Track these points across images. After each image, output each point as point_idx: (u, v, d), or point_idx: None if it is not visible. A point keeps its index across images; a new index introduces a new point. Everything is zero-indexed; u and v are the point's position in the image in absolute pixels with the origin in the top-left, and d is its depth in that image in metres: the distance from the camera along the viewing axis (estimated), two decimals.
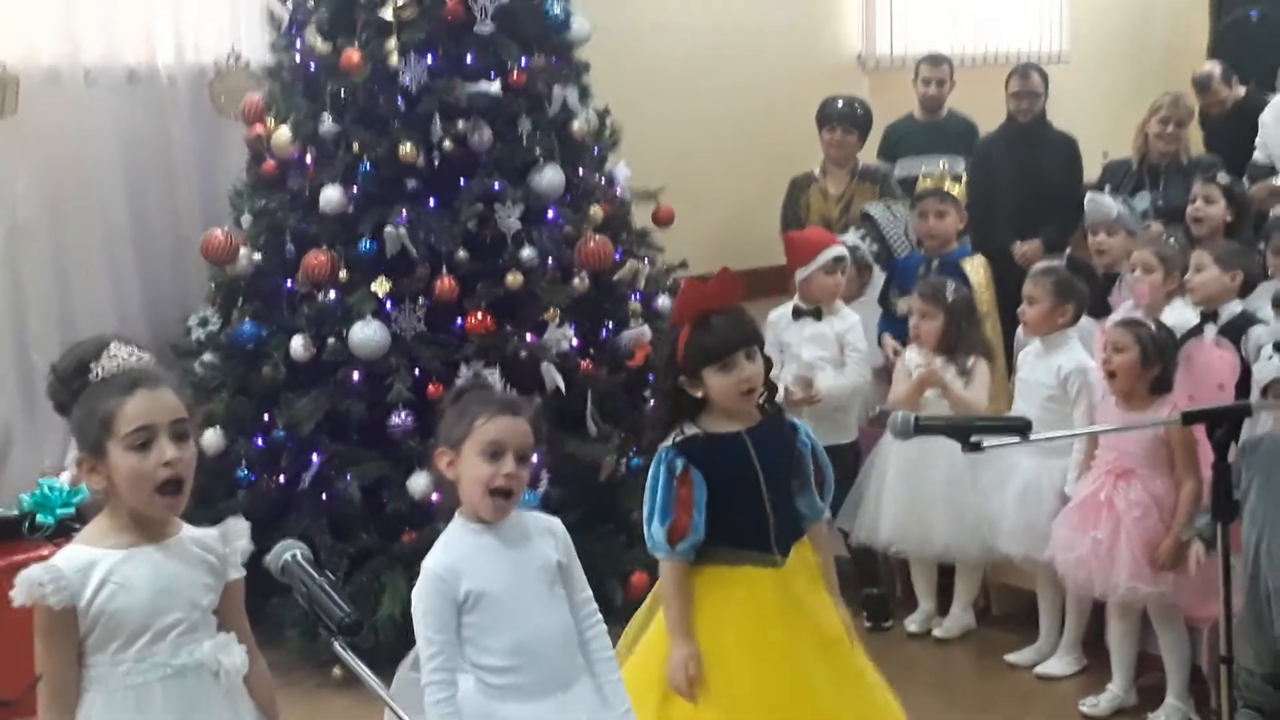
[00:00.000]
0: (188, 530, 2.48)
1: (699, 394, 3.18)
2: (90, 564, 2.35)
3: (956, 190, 5.51)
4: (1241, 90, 7.07)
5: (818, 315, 5.06)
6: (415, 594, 2.73)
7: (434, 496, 4.69)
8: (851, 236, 5.71)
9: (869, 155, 6.67)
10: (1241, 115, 6.83)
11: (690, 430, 3.20)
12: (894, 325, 5.43)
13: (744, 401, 3.20)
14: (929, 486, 4.81)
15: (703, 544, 3.18)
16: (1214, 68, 7.15)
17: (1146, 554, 4.13)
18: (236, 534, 2.51)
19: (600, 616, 2.87)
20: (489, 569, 2.71)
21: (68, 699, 2.34)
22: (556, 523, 2.85)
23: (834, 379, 4.96)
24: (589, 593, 2.86)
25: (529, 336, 4.88)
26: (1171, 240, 4.90)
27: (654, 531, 3.16)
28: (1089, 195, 5.56)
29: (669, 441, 3.20)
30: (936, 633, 4.98)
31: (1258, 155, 6.81)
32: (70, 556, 2.37)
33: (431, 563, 2.73)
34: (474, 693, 2.70)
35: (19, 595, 2.31)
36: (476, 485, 2.70)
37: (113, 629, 2.35)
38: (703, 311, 3.20)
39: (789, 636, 3.21)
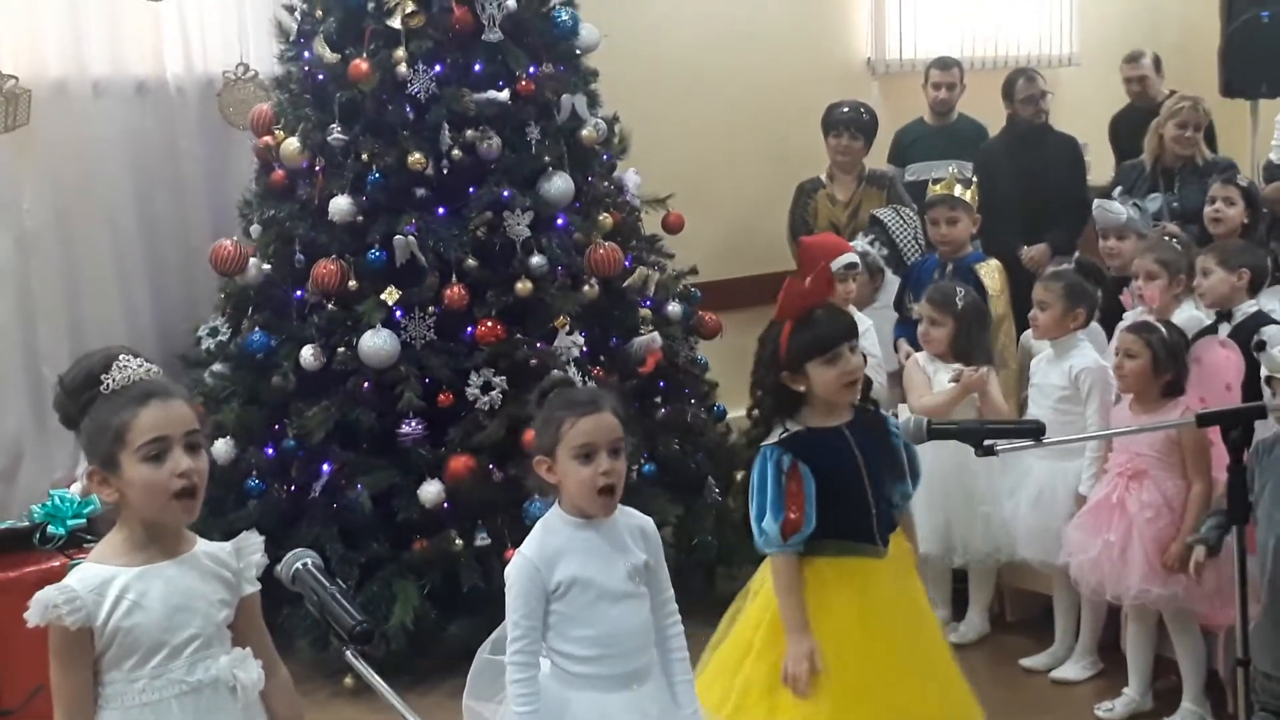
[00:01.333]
0: (201, 545, 2.46)
1: (801, 388, 3.27)
2: (105, 582, 2.33)
3: (967, 195, 5.48)
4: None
5: None
6: (508, 576, 2.80)
7: (444, 504, 4.70)
8: (861, 242, 5.69)
9: (878, 159, 6.66)
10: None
11: (793, 426, 3.28)
12: (910, 330, 5.40)
13: (847, 393, 3.30)
14: (939, 491, 4.78)
15: (811, 539, 3.26)
16: (1148, 56, 7.12)
17: (1158, 556, 4.11)
18: (251, 548, 2.49)
19: (679, 618, 2.94)
20: (582, 561, 2.78)
21: (84, 718, 2.33)
22: (649, 523, 2.92)
23: None
24: (671, 593, 2.93)
25: (539, 344, 4.88)
26: (1174, 241, 4.87)
27: (766, 527, 3.24)
28: (1097, 201, 5.54)
29: (772, 439, 3.28)
30: (952, 638, 4.92)
31: (1272, 156, 6.78)
32: (84, 576, 2.35)
33: (528, 550, 2.80)
34: (550, 678, 2.79)
35: (33, 616, 2.29)
36: (580, 488, 2.77)
37: (129, 646, 2.33)
38: (804, 308, 3.29)
39: (897, 627, 3.32)
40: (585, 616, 2.76)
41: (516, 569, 2.79)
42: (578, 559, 2.77)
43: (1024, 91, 6.56)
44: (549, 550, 2.79)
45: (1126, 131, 6.96)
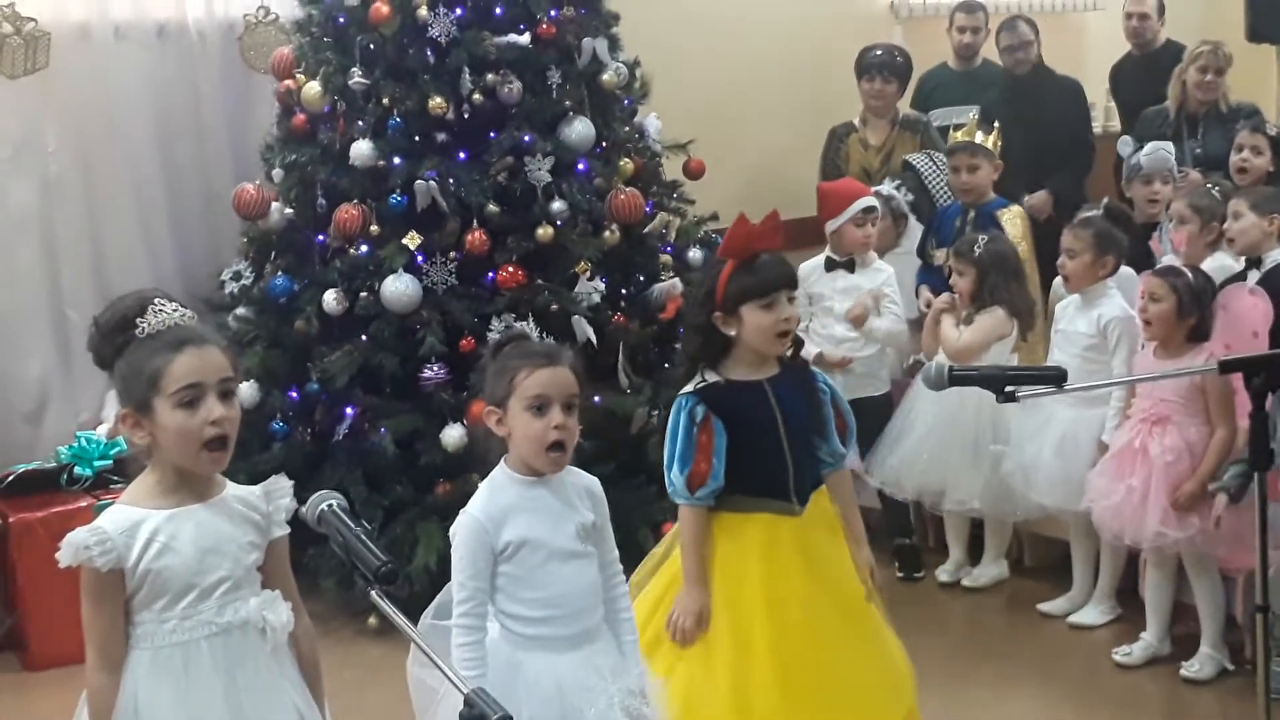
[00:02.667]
0: (231, 488, 2.48)
1: (731, 332, 3.19)
2: (136, 524, 2.36)
3: (989, 141, 5.44)
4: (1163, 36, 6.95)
5: (850, 267, 5.04)
6: (454, 536, 2.75)
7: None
8: (886, 186, 5.66)
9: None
10: (1160, 59, 6.69)
11: (711, 377, 3.21)
12: (933, 277, 5.40)
13: (778, 344, 3.22)
14: (956, 438, 4.80)
15: (722, 491, 3.20)
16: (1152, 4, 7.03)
17: (1171, 502, 4.11)
18: (280, 492, 2.51)
19: (624, 577, 2.91)
20: (530, 521, 2.72)
21: (115, 657, 2.36)
22: (595, 483, 2.86)
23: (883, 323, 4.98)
24: (616, 553, 2.88)
25: (560, 289, 4.88)
26: (1215, 189, 4.84)
27: (674, 478, 3.18)
28: (1151, 144, 5.48)
29: (689, 388, 3.21)
30: (967, 582, 4.98)
31: None
32: (115, 518, 2.37)
33: (475, 509, 2.74)
34: (500, 640, 2.73)
35: (65, 557, 2.32)
36: (529, 442, 2.70)
37: (159, 587, 2.36)
38: (750, 250, 3.22)
39: (804, 587, 3.23)
40: (535, 577, 2.71)
41: (463, 528, 2.72)
42: (526, 518, 2.71)
43: (1004, 41, 6.52)
44: (496, 509, 2.72)
45: (1126, 82, 6.88)
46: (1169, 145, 5.47)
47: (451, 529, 2.76)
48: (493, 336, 4.75)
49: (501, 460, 2.79)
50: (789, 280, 3.24)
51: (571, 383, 2.72)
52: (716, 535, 3.23)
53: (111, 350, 2.39)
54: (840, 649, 3.24)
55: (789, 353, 3.28)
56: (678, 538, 3.33)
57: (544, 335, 4.66)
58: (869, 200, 5.06)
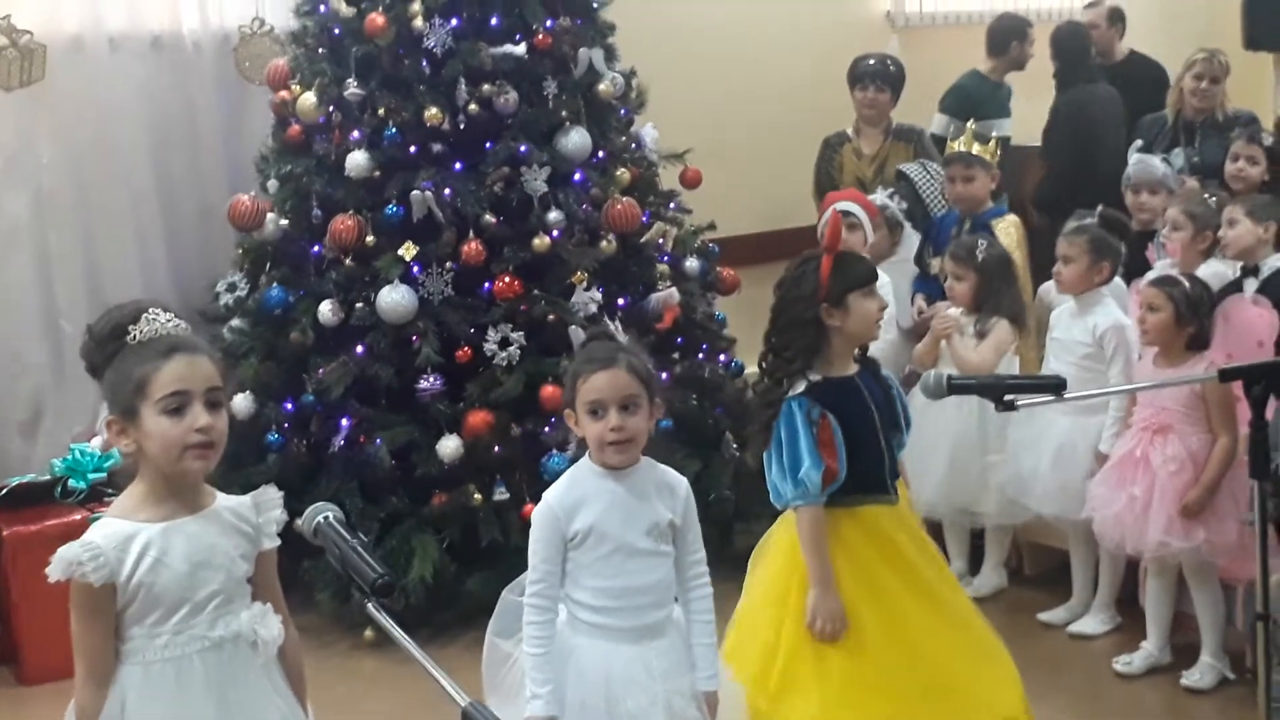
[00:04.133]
0: (222, 499, 2.47)
1: (837, 324, 3.30)
2: (128, 538, 2.34)
3: (985, 152, 5.43)
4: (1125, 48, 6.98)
5: None
6: (533, 520, 2.86)
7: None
8: (881, 195, 5.65)
9: (906, 114, 6.61)
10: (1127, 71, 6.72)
11: (812, 377, 3.30)
12: (929, 285, 5.39)
13: (876, 331, 3.39)
14: (954, 446, 4.79)
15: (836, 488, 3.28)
16: (1100, 12, 7.04)
17: (1179, 511, 4.10)
18: (270, 503, 2.50)
19: (708, 580, 2.95)
20: (602, 512, 2.81)
21: (104, 672, 2.34)
22: (682, 482, 2.93)
23: None
24: (701, 555, 2.93)
25: (557, 300, 4.86)
26: (1212, 199, 4.83)
27: (805, 477, 3.23)
28: (1135, 155, 5.49)
29: (797, 390, 3.28)
30: (967, 592, 4.95)
31: None
32: (107, 531, 2.35)
33: (552, 496, 2.85)
34: (564, 624, 2.84)
35: (55, 572, 2.30)
36: (593, 441, 2.82)
37: (151, 602, 2.34)
38: (840, 245, 3.39)
39: (921, 565, 3.36)
40: (600, 567, 2.80)
41: (539, 514, 2.84)
42: (598, 509, 2.81)
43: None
44: (571, 498, 2.82)
45: None
46: (1153, 158, 5.46)
47: (533, 513, 2.87)
48: (489, 347, 4.76)
49: (587, 452, 2.89)
50: (877, 273, 3.46)
51: (628, 383, 2.80)
52: (836, 530, 3.30)
53: (103, 358, 2.38)
54: (964, 633, 3.39)
55: (860, 354, 3.41)
56: (760, 556, 3.46)
57: (539, 347, 4.64)
58: (843, 205, 5.05)
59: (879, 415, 3.34)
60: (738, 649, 3.30)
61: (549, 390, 4.66)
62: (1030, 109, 6.85)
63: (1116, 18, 7.12)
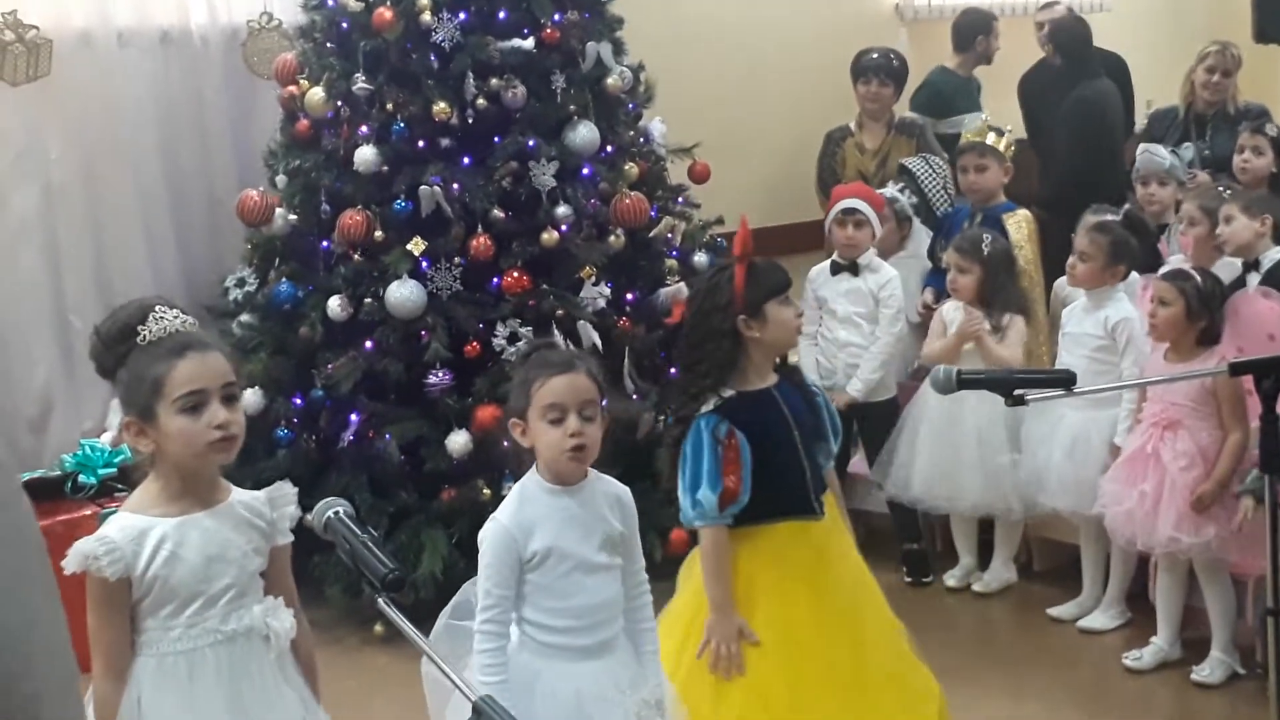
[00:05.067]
0: (236, 494, 2.49)
1: (756, 335, 3.18)
2: (143, 532, 2.35)
3: (1000, 144, 5.42)
4: None
5: (854, 270, 5.03)
6: (482, 542, 2.73)
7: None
8: (891, 189, 5.64)
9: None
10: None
11: (726, 393, 3.18)
12: (941, 279, 5.38)
13: (795, 339, 3.29)
14: (963, 441, 4.78)
15: (746, 506, 3.17)
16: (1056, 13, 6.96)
17: (1190, 505, 4.09)
18: (285, 499, 2.51)
19: (648, 588, 2.89)
20: (558, 531, 2.71)
21: (122, 664, 2.36)
22: (625, 492, 2.85)
23: (864, 370, 4.95)
24: (642, 563, 2.87)
25: (565, 294, 4.86)
26: (1225, 192, 4.82)
27: (703, 498, 3.12)
28: (1141, 146, 5.48)
29: (708, 408, 3.17)
30: (976, 587, 4.96)
31: None
32: (123, 526, 2.37)
33: (504, 516, 2.73)
34: (519, 648, 2.72)
35: (71, 564, 2.31)
36: (550, 450, 2.71)
37: (165, 595, 2.36)
38: (752, 252, 3.24)
39: (842, 587, 3.25)
40: (560, 587, 2.70)
41: (491, 535, 2.71)
42: (554, 528, 2.71)
43: None
44: (525, 518, 2.71)
45: (1035, 90, 6.79)
46: (1159, 149, 5.44)
47: (480, 534, 2.75)
48: (498, 342, 4.76)
49: (532, 468, 2.78)
50: (790, 277, 3.31)
51: (587, 388, 2.71)
52: (750, 551, 3.20)
53: (114, 359, 2.38)
54: (884, 645, 3.27)
55: (778, 362, 3.29)
56: (690, 564, 3.32)
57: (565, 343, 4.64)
58: (848, 202, 5.05)
59: (799, 428, 3.22)
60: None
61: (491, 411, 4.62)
62: (1000, 104, 6.83)
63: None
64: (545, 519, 2.71)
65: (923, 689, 3.31)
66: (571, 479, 2.75)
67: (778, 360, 3.29)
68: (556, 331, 4.64)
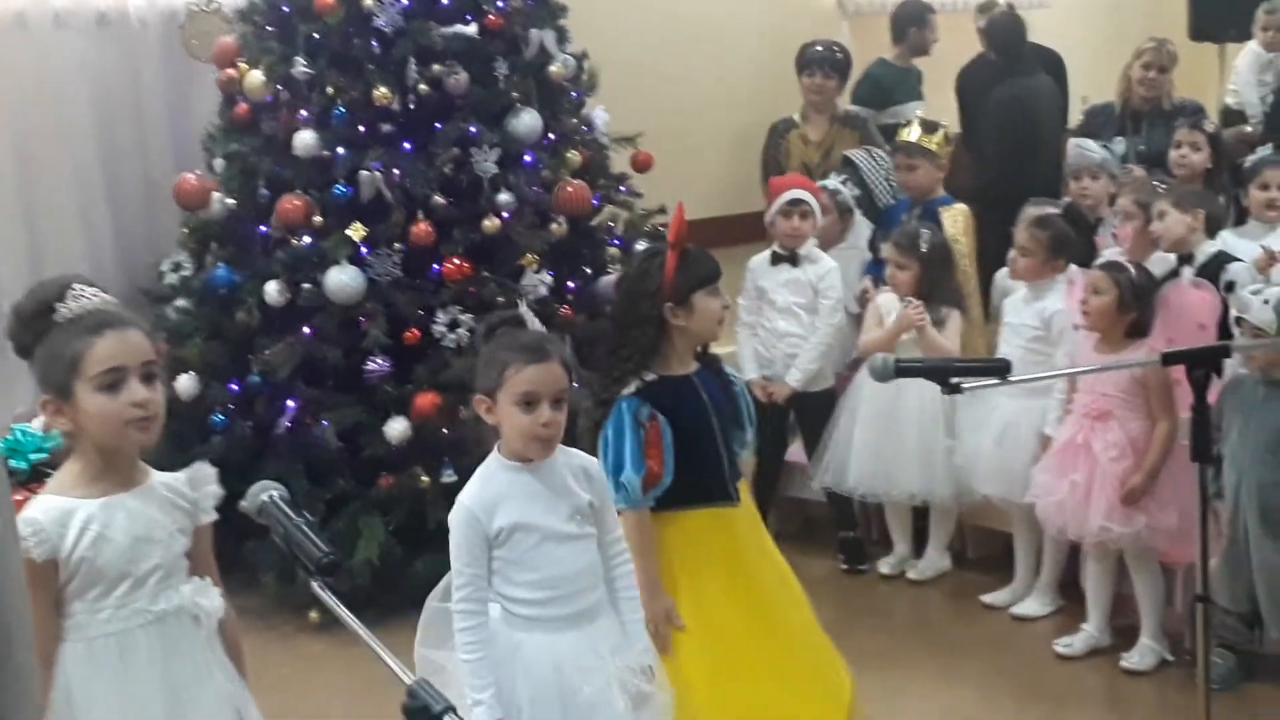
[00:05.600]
0: (157, 476, 2.47)
1: (681, 323, 3.21)
2: (67, 514, 2.32)
3: (932, 141, 5.45)
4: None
5: (794, 261, 5.06)
6: (451, 524, 2.77)
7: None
8: (834, 180, 5.67)
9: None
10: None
11: (648, 376, 3.21)
12: (881, 269, 5.41)
13: (719, 330, 3.28)
14: (898, 430, 4.83)
15: (666, 494, 3.19)
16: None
17: (1120, 495, 4.15)
18: (205, 478, 2.50)
19: (628, 556, 2.91)
20: (522, 506, 2.74)
21: (46, 650, 2.31)
22: (593, 464, 2.89)
23: (803, 360, 4.98)
24: (619, 532, 2.90)
25: (506, 282, 4.85)
26: (1160, 186, 4.88)
27: (626, 481, 3.14)
28: (1072, 140, 5.55)
29: (629, 390, 3.20)
30: (911, 575, 5.01)
31: (1229, 100, 6.80)
32: (46, 507, 2.34)
33: (467, 498, 2.77)
34: (500, 622, 2.76)
35: None
36: (517, 434, 2.73)
37: (92, 577, 2.33)
38: (685, 240, 3.26)
39: (760, 573, 3.29)
40: (530, 560, 2.74)
41: (456, 518, 2.75)
42: (517, 504, 2.74)
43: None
44: (487, 496, 2.75)
45: (971, 85, 6.81)
46: (1090, 143, 5.50)
47: (449, 517, 2.79)
48: (437, 329, 4.74)
49: (495, 447, 2.80)
50: (720, 268, 3.32)
51: (561, 377, 2.74)
52: (672, 536, 3.23)
53: (31, 337, 2.35)
54: (794, 625, 3.32)
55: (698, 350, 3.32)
56: None
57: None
58: (795, 193, 5.07)
59: (717, 415, 3.25)
60: None
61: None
62: (943, 98, 6.89)
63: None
64: (507, 496, 2.75)
65: (836, 677, 3.35)
66: (538, 460, 2.77)
67: (699, 349, 3.32)
68: (523, 305, 4.61)
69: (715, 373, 3.34)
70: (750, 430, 3.40)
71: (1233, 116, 6.65)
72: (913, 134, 5.43)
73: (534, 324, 3.09)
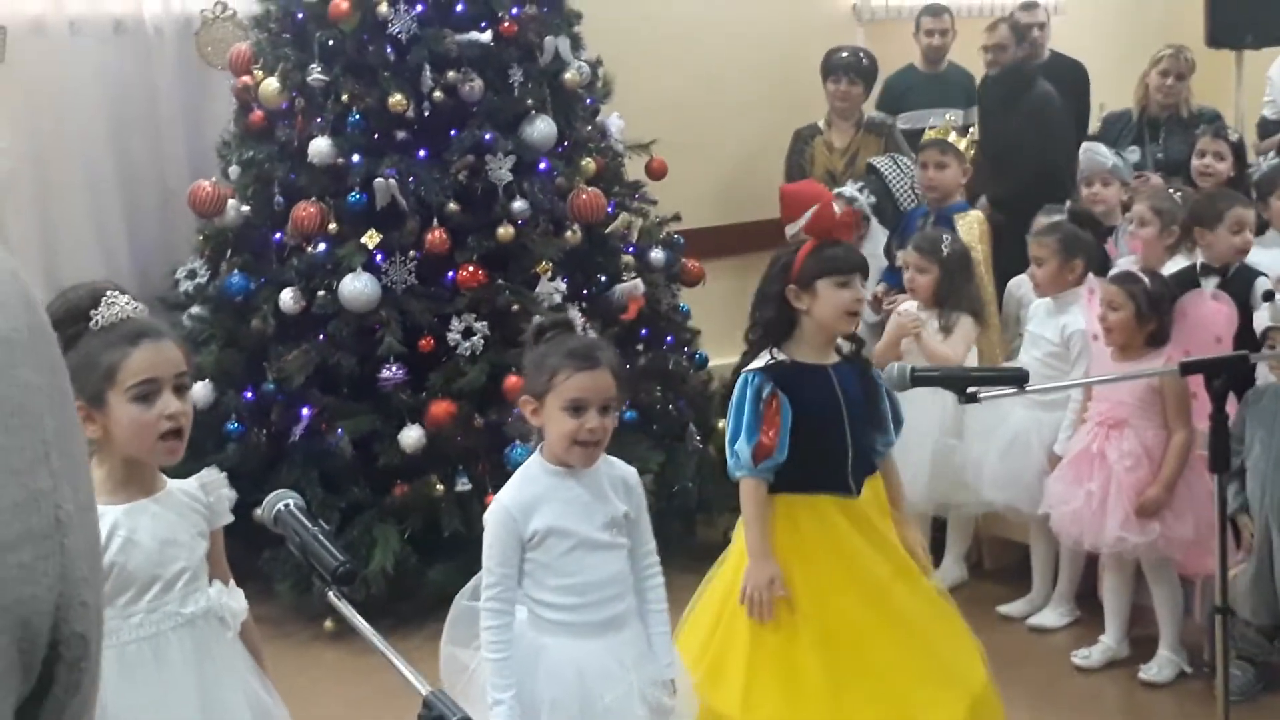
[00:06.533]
0: (173, 483, 2.50)
1: (803, 307, 3.26)
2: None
3: (962, 143, 5.44)
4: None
5: None
6: (486, 522, 2.79)
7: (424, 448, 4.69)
8: (849, 188, 5.65)
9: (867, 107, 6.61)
10: (1048, 72, 6.47)
11: (779, 355, 3.26)
12: (897, 277, 5.39)
13: (846, 323, 3.31)
14: (914, 438, 4.79)
15: (784, 474, 3.24)
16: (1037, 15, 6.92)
17: (1136, 505, 4.12)
18: (217, 483, 2.53)
19: (660, 569, 2.93)
20: (559, 510, 2.77)
21: None
22: (633, 474, 2.90)
23: None
24: (652, 545, 2.92)
25: (521, 290, 4.84)
26: (1177, 194, 4.85)
27: (739, 449, 3.22)
28: (1084, 145, 5.51)
29: (757, 365, 3.25)
30: None
31: (1265, 112, 6.76)
32: None
33: (506, 498, 2.79)
34: (526, 625, 2.78)
35: None
36: (562, 439, 2.75)
37: (124, 581, 2.36)
38: (830, 233, 3.32)
39: (874, 565, 3.32)
40: (562, 565, 2.76)
41: (493, 516, 2.78)
42: (555, 508, 2.76)
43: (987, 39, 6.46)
44: (526, 498, 2.77)
45: (991, 93, 6.70)
46: (1101, 148, 5.47)
47: (484, 516, 2.81)
48: (452, 337, 4.74)
49: (537, 449, 2.83)
50: (864, 267, 3.38)
51: (610, 385, 2.76)
52: (780, 518, 3.28)
53: (62, 342, 2.35)
54: (921, 618, 3.35)
55: (849, 348, 3.36)
56: (721, 561, 3.42)
57: (503, 336, 4.62)
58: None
59: (849, 411, 3.29)
60: (684, 639, 3.27)
61: (512, 380, 4.64)
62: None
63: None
64: (546, 500, 2.76)
65: (963, 669, 3.37)
66: (581, 467, 2.79)
67: (848, 346, 3.35)
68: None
69: (860, 372, 3.37)
70: (893, 434, 3.43)
71: (1270, 127, 6.61)
72: (948, 133, 5.42)
73: (584, 327, 3.16)
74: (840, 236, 3.36)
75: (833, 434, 3.28)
